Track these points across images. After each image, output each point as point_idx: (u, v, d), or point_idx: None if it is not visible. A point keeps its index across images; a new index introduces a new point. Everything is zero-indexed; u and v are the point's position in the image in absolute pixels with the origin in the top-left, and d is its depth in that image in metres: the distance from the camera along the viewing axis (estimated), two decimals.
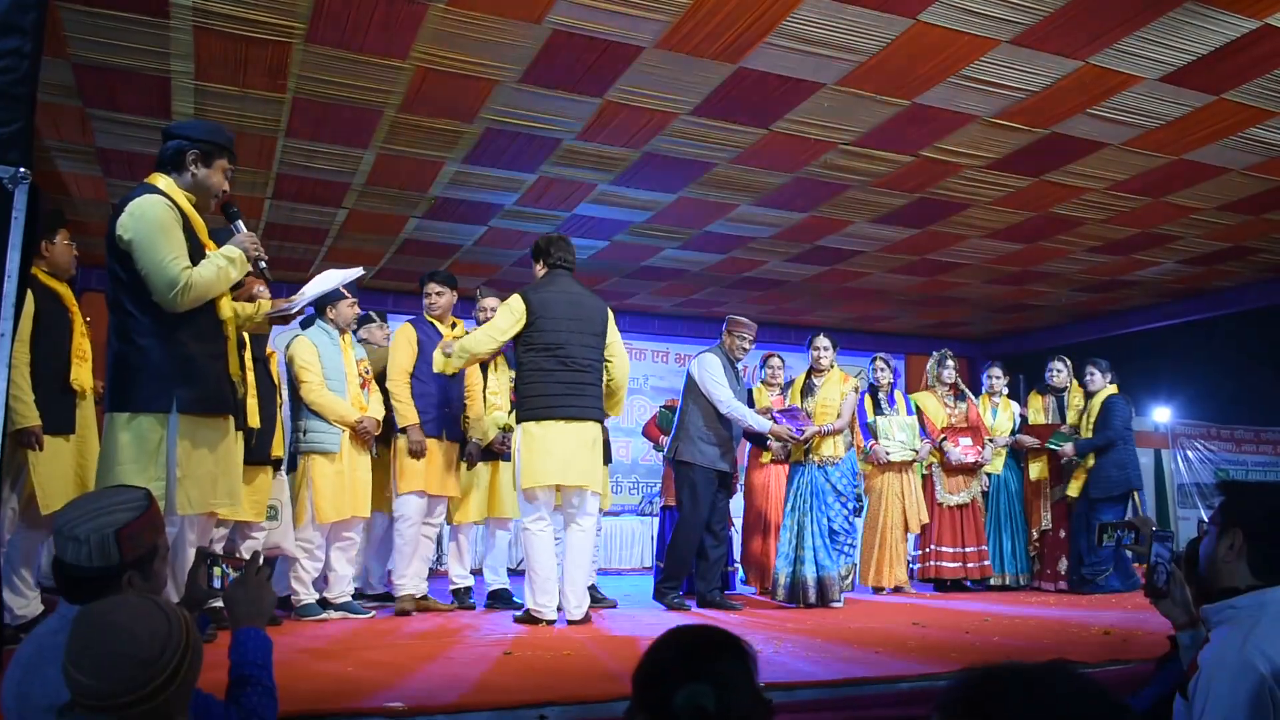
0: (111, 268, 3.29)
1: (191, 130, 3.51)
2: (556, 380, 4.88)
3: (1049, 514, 7.31)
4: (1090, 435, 7.10)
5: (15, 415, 3.90)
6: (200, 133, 3.49)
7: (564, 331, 4.92)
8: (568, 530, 5.06)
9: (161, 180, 3.39)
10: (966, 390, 7.58)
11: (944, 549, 7.20)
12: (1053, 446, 7.16)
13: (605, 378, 5.19)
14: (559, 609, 4.93)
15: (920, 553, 7.37)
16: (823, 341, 6.51)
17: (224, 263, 3.36)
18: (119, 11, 4.50)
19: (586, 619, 4.92)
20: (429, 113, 5.63)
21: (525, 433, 4.88)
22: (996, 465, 7.41)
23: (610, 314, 5.19)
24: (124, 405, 3.25)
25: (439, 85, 5.25)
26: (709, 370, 5.94)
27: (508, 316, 4.94)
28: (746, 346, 6.19)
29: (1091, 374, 7.28)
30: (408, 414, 5.40)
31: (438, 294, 5.77)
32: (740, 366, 6.26)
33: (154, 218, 3.22)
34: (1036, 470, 7.39)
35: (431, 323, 5.71)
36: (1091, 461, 7.04)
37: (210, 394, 3.37)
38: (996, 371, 7.79)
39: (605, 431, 6.13)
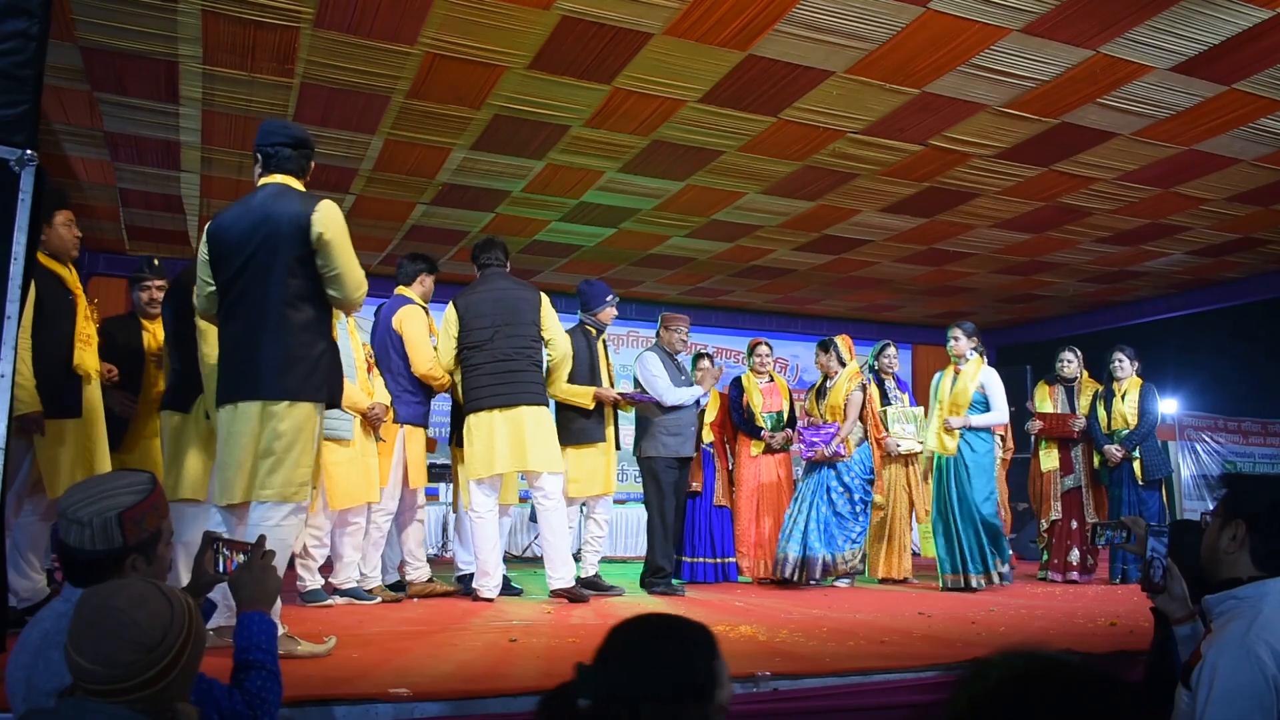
0: (283, 261, 3.34)
1: (303, 134, 3.60)
2: (485, 373, 5.20)
3: (1059, 503, 7.26)
4: (1124, 425, 7.00)
5: (15, 401, 3.89)
6: (305, 135, 3.61)
7: (489, 328, 5.22)
8: (538, 509, 5.33)
9: (299, 185, 3.51)
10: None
11: None
12: (1109, 460, 6.97)
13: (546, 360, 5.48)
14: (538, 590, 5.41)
15: None
16: (823, 345, 6.69)
17: None
18: None
19: (575, 596, 5.22)
20: (437, 98, 5.62)
21: (467, 426, 5.24)
22: (947, 445, 6.43)
23: (544, 300, 5.36)
24: (294, 394, 3.32)
25: (447, 71, 5.24)
26: (648, 367, 6.20)
27: (448, 325, 5.37)
28: (684, 338, 6.44)
29: (1120, 361, 7.18)
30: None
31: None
32: (679, 357, 6.45)
33: (343, 221, 3.38)
34: (1048, 460, 7.31)
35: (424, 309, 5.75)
36: (1137, 450, 7.00)
37: (338, 390, 3.54)
38: (958, 333, 6.64)
39: None
